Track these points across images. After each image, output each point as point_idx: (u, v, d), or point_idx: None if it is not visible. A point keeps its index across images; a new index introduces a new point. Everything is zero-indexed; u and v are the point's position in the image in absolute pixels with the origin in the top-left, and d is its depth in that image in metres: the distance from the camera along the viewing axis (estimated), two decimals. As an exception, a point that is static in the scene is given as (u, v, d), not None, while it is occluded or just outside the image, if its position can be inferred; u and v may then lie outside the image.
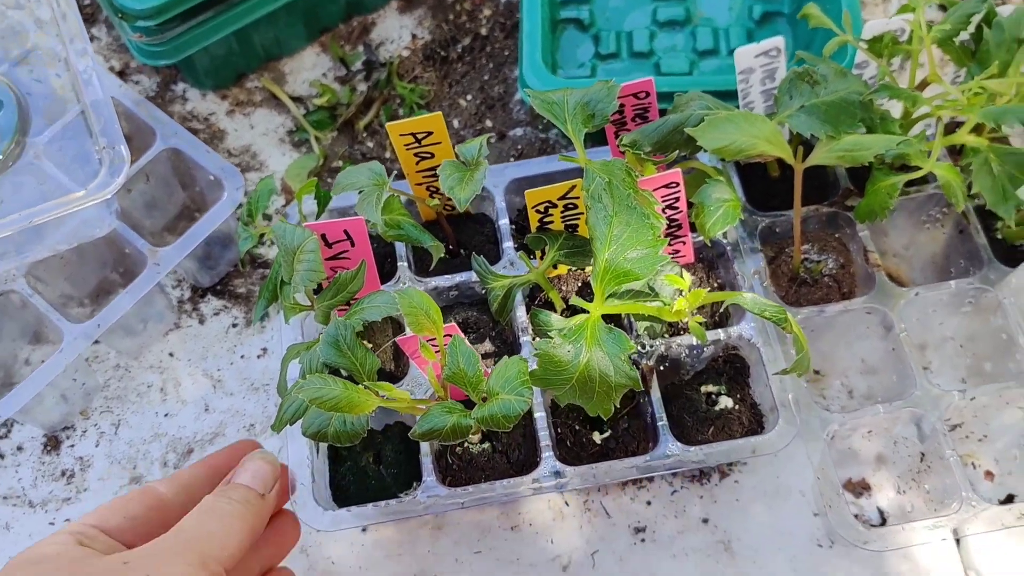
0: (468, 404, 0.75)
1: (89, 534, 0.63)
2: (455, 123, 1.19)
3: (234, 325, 1.09)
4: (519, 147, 1.18)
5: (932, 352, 1.01)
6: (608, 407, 0.74)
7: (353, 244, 0.86)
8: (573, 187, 0.86)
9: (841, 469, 0.98)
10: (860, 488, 0.97)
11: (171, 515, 0.67)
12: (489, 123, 1.19)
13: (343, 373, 0.77)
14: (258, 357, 1.07)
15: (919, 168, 0.86)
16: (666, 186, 0.87)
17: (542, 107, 0.84)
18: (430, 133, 0.89)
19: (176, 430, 1.03)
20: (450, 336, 0.76)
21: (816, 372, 1.03)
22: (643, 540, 0.96)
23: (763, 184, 1.01)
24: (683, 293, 0.79)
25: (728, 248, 0.96)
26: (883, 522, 0.95)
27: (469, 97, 1.20)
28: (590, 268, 0.96)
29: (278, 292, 0.85)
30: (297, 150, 1.18)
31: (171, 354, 1.07)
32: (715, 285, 0.97)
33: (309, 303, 0.85)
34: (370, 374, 0.77)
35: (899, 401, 0.89)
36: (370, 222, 0.86)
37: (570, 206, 0.88)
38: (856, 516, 0.93)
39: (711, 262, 0.99)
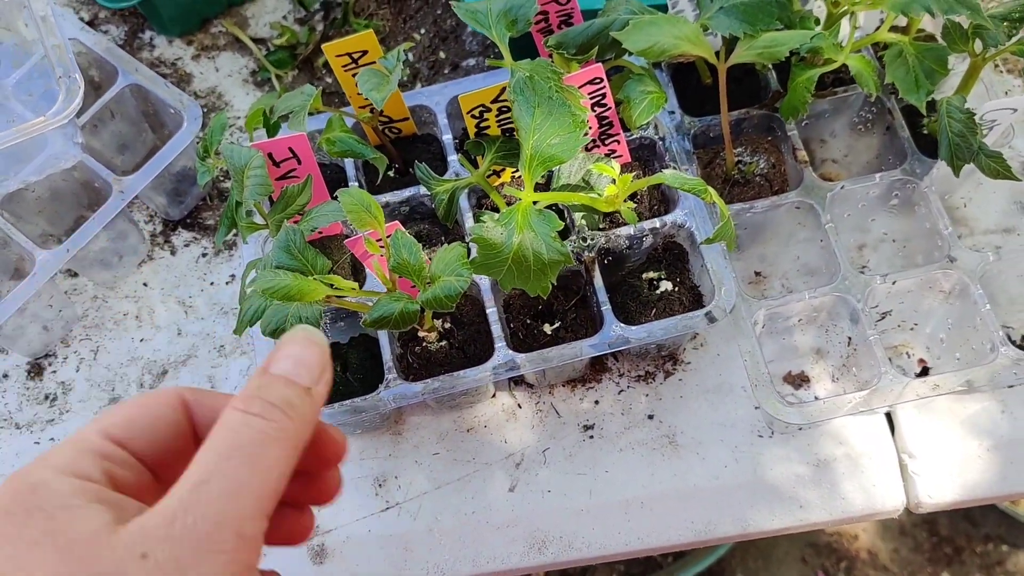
0: (412, 291, 0.80)
1: (116, 457, 0.45)
2: (409, 56, 1.23)
3: (203, 255, 1.14)
4: (471, 76, 1.22)
5: (869, 251, 1.05)
6: (545, 285, 0.79)
7: (300, 161, 0.91)
8: (504, 88, 0.90)
9: (781, 362, 1.02)
10: (799, 380, 1.01)
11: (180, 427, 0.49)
12: (442, 55, 1.24)
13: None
14: (227, 283, 1.12)
15: (835, 62, 0.89)
16: (591, 82, 0.91)
17: (467, 16, 0.88)
18: (365, 52, 0.93)
19: (151, 353, 1.09)
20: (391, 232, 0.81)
21: (756, 274, 1.07)
22: (592, 437, 1.01)
23: (696, 90, 1.05)
24: (614, 181, 0.84)
25: (659, 142, 1.00)
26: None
27: (423, 31, 1.24)
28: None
29: (235, 215, 0.90)
30: (260, 89, 1.23)
31: (145, 284, 1.13)
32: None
33: (264, 221, 0.90)
34: (321, 272, 0.82)
35: (825, 287, 0.92)
36: (315, 142, 0.91)
37: (504, 109, 0.92)
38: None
39: (647, 162, 1.03)
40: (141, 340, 1.10)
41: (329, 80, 1.23)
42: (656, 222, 0.95)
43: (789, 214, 1.00)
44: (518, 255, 0.79)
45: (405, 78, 1.20)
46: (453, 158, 1.02)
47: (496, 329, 0.92)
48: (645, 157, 1.03)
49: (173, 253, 1.15)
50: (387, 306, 0.79)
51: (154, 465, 0.46)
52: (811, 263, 1.05)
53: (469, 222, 0.97)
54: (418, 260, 0.80)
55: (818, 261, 1.03)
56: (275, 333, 0.82)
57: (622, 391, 1.02)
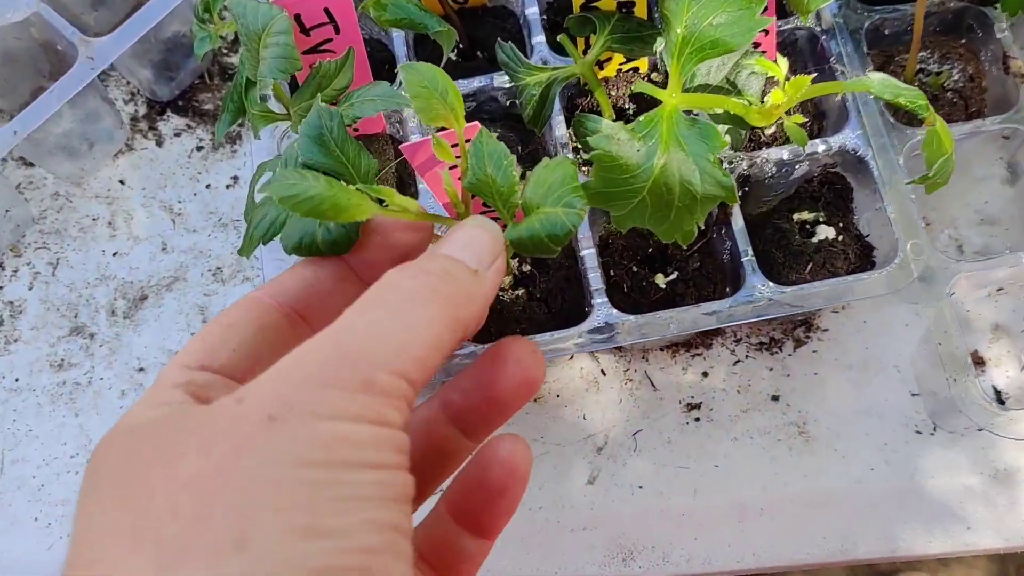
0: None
1: (201, 380, 0.39)
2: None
3: (199, 148, 0.88)
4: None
5: (1073, 196, 0.80)
6: (691, 228, 0.54)
7: (338, 30, 0.65)
8: (629, -55, 0.64)
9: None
10: (972, 362, 0.78)
11: (287, 338, 0.42)
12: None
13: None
14: (227, 187, 0.87)
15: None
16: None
17: None
18: None
19: (127, 272, 0.84)
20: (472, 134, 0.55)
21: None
22: (697, 420, 0.77)
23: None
24: (776, 84, 0.58)
25: (821, 37, 0.74)
26: (1001, 405, 0.76)
27: None
28: (646, 72, 0.75)
29: (244, 99, 0.65)
30: (278, -63, 0.95)
31: (122, 181, 0.88)
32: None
33: (284, 110, 0.65)
34: (368, 179, 0.57)
35: (1045, 249, 0.68)
36: (359, 8, 0.65)
37: (625, -26, 0.66)
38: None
39: (798, 64, 0.77)
40: (114, 254, 0.85)
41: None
42: (819, 145, 0.70)
43: (986, 146, 0.75)
44: (659, 183, 0.54)
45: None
46: (539, 40, 0.75)
47: (593, 279, 0.67)
48: (794, 53, 0.77)
49: (159, 144, 0.89)
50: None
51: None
52: (997, 213, 0.80)
53: (558, 129, 0.72)
54: (508, 179, 0.54)
55: (1007, 212, 0.78)
56: (301, 249, 0.56)
57: (738, 362, 0.79)
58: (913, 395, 0.77)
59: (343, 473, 0.32)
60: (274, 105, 0.66)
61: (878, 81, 0.56)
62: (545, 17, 0.78)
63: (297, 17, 0.64)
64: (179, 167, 0.88)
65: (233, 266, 0.84)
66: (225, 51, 0.92)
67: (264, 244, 0.56)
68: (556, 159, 0.54)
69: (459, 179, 0.55)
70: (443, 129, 0.55)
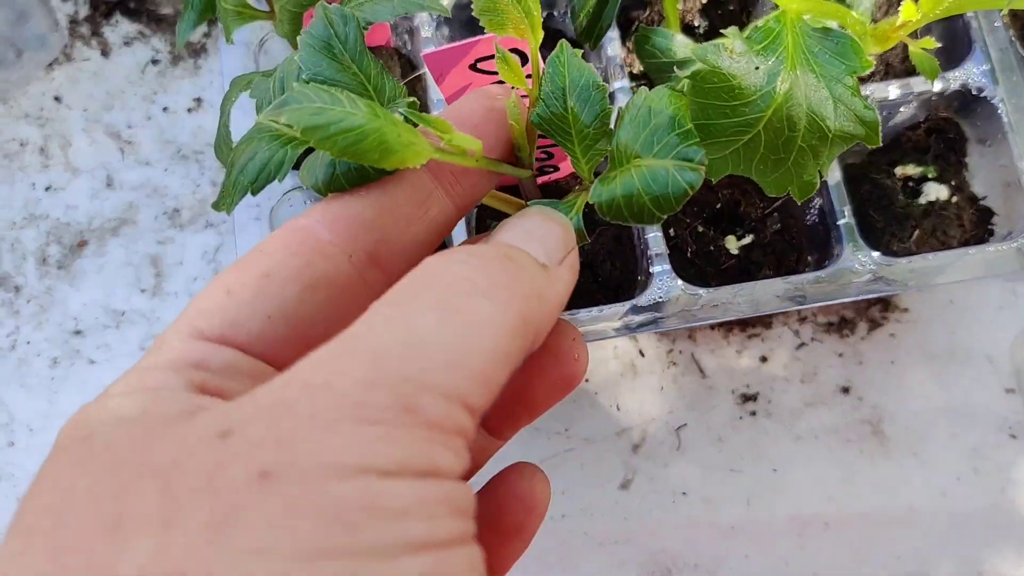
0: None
1: (218, 363, 0.27)
2: None
3: (154, 62, 0.72)
4: None
5: None
6: (813, 176, 0.41)
7: (335, -100, 0.49)
8: None
9: (1049, 326, 0.66)
10: (1076, 355, 0.66)
11: (352, 297, 0.30)
12: None
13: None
14: (189, 111, 0.71)
15: None
16: None
17: None
18: None
19: (62, 211, 0.69)
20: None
21: None
22: (754, 413, 0.65)
23: None
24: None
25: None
26: (1108, 406, 0.64)
27: None
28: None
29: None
30: None
31: (57, 99, 0.72)
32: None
33: (267, 5, 0.50)
34: (391, 104, 0.42)
35: None
36: None
37: None
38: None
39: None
40: (47, 188, 0.69)
41: None
42: (936, 81, 0.56)
43: None
44: (780, 114, 0.40)
45: None
46: (588, -62, 0.60)
47: (652, 240, 0.54)
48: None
49: (105, 54, 0.73)
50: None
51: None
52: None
53: (611, 47, 0.57)
54: (597, 114, 0.40)
55: None
56: (331, 185, 0.41)
57: (803, 345, 0.66)
58: (1008, 391, 0.65)
59: (376, 563, 0.21)
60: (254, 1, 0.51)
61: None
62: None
63: None
64: (129, 84, 0.72)
65: (194, 208, 0.68)
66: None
67: (253, 195, 0.41)
68: (660, 91, 0.40)
69: (526, 111, 0.41)
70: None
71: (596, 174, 0.40)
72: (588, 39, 0.53)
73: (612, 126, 0.39)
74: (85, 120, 0.71)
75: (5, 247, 0.68)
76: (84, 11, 0.73)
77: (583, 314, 0.52)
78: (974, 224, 0.57)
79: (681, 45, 0.50)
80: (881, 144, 0.40)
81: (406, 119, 0.35)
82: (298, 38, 0.42)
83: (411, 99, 0.39)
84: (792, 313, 0.67)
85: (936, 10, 0.44)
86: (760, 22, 0.40)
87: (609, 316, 0.52)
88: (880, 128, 0.40)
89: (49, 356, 0.65)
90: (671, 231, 0.56)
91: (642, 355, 0.66)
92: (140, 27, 0.73)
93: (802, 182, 0.42)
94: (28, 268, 0.67)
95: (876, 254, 0.53)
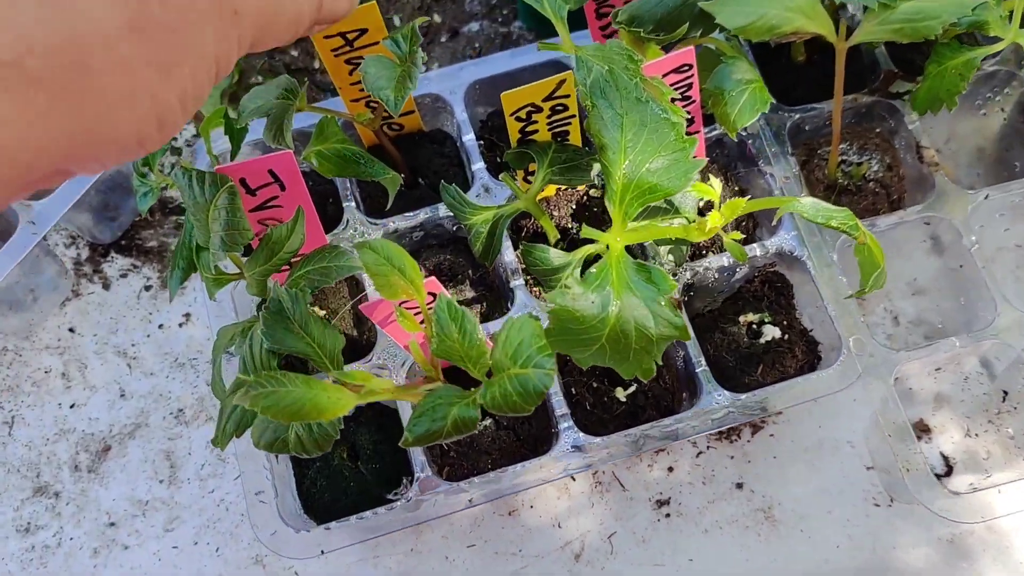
0: (466, 379, 0.58)
1: None
2: (395, 21, 0.97)
3: (147, 288, 0.88)
4: (476, 45, 0.97)
5: (995, 265, 0.85)
6: (649, 365, 0.57)
7: (283, 187, 0.66)
8: (561, 83, 0.67)
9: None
10: (919, 431, 0.82)
11: None
12: (438, 18, 0.98)
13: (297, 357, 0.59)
14: (180, 325, 0.87)
15: (995, 40, 0.68)
16: (676, 70, 0.68)
17: None
18: (364, 31, 0.68)
19: (86, 424, 0.84)
20: (433, 296, 0.57)
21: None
22: (668, 515, 0.80)
23: (784, 71, 0.82)
24: (712, 206, 0.61)
25: (748, 144, 0.78)
26: (948, 471, 0.80)
27: (412, -13, 0.98)
28: (586, 186, 0.78)
29: (195, 260, 0.65)
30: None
31: (71, 330, 0.87)
32: (735, 191, 0.79)
33: (237, 269, 0.66)
34: (335, 358, 0.59)
35: (978, 331, 0.72)
36: (301, 156, 0.67)
37: (558, 108, 0.68)
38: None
39: (727, 164, 0.80)
40: (72, 406, 0.84)
41: (295, 52, 0.96)
42: (756, 249, 0.73)
43: (911, 230, 0.79)
44: (615, 331, 0.57)
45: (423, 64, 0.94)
46: (479, 167, 0.77)
47: (557, 402, 0.69)
48: (722, 156, 0.81)
49: (106, 287, 0.88)
50: (436, 413, 0.56)
51: None
52: (925, 283, 0.84)
53: (507, 254, 0.74)
54: (476, 342, 0.56)
55: (935, 283, 0.83)
56: (274, 447, 0.58)
57: (701, 453, 0.82)
58: (868, 468, 0.81)
59: None
60: (226, 265, 0.67)
61: (810, 205, 0.59)
62: (482, 142, 0.80)
63: (242, 180, 0.65)
64: (129, 309, 0.88)
65: (195, 406, 0.84)
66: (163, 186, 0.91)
67: (237, 437, 0.58)
68: (520, 317, 0.56)
69: (425, 344, 0.57)
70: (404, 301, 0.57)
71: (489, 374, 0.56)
72: (485, 260, 0.69)
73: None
74: (96, 344, 0.86)
75: (43, 460, 0.82)
76: (85, 253, 0.89)
77: (511, 470, 0.67)
78: (804, 353, 0.73)
79: (556, 256, 0.66)
80: (691, 338, 0.57)
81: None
82: (261, 314, 0.58)
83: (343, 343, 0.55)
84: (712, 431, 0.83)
85: (732, 217, 0.61)
86: (594, 268, 0.57)
87: (534, 467, 0.68)
88: (689, 328, 0.56)
89: (90, 548, 0.79)
90: (572, 390, 0.72)
91: (573, 480, 0.81)
92: (132, 260, 0.89)
93: (643, 369, 0.58)
94: (64, 476, 0.82)
95: (727, 393, 0.69)
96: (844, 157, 0.80)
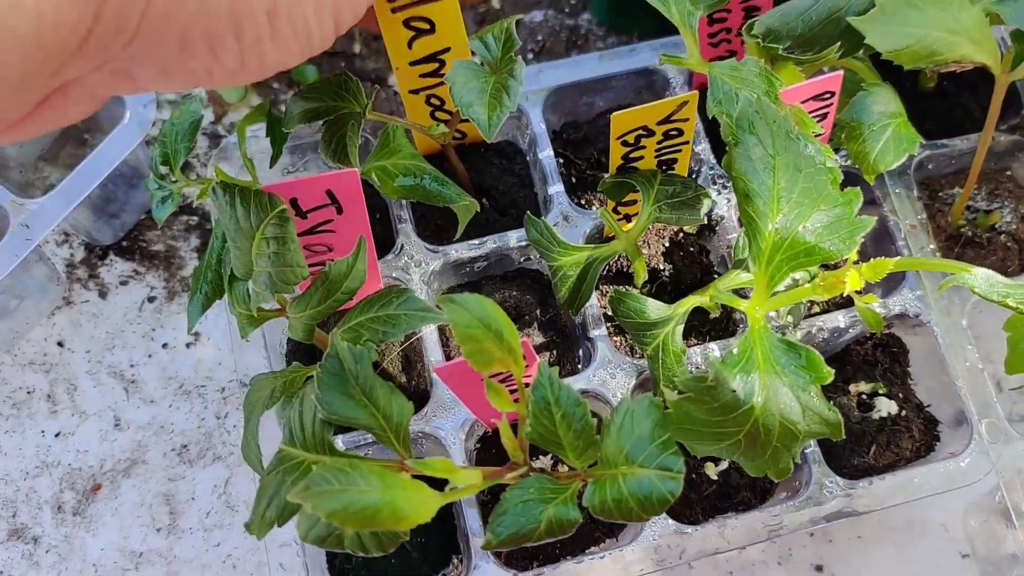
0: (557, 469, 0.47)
1: None
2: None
3: (150, 299, 0.76)
4: (539, 38, 0.86)
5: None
6: (788, 465, 0.47)
7: (340, 211, 0.54)
8: (683, 104, 0.56)
9: (998, 491, 0.73)
10: (1006, 517, 0.73)
11: None
12: (496, 3, 0.86)
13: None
14: (188, 346, 0.75)
15: None
16: (816, 97, 0.57)
17: None
18: (431, 27, 0.56)
19: (73, 457, 0.72)
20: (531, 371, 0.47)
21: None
22: (741, 599, 0.70)
23: (910, 100, 0.71)
24: (847, 262, 0.51)
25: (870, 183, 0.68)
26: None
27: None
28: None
29: (225, 287, 0.54)
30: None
31: (61, 344, 0.75)
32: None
33: (279, 305, 0.55)
34: (401, 433, 0.47)
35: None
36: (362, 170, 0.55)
37: (672, 132, 0.57)
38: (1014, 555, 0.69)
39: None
40: (57, 434, 0.73)
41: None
42: (875, 308, 0.63)
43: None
44: (757, 425, 0.46)
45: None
46: (556, 190, 0.66)
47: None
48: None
49: (103, 295, 0.76)
50: (526, 512, 0.46)
51: None
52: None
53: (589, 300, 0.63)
54: (583, 431, 0.46)
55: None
56: (326, 542, 0.47)
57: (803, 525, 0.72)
58: (964, 556, 0.72)
59: None
60: (267, 301, 0.56)
61: (983, 279, 0.49)
62: (560, 160, 0.69)
63: (293, 201, 0.53)
64: (128, 323, 0.76)
65: (201, 443, 0.72)
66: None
67: (279, 526, 0.46)
68: (641, 402, 0.46)
69: (515, 422, 0.47)
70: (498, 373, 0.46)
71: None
72: (570, 308, 0.58)
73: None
74: (89, 362, 0.74)
75: (21, 498, 0.71)
76: (80, 254, 0.77)
77: (585, 557, 0.57)
78: (922, 433, 0.64)
79: (655, 309, 0.56)
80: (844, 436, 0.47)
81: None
82: (315, 373, 0.47)
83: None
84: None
85: (875, 280, 0.51)
86: (739, 345, 0.46)
87: (603, 551, 0.58)
88: (842, 425, 0.46)
89: (73, 606, 0.68)
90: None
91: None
92: (134, 265, 0.77)
93: (778, 469, 0.48)
94: (44, 518, 0.70)
95: (839, 481, 0.59)
96: (970, 203, 0.70)
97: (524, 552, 0.60)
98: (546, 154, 0.67)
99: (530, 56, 0.85)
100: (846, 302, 0.64)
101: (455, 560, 0.61)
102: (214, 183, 0.51)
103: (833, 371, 0.46)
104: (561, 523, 0.45)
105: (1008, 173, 0.71)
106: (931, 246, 0.65)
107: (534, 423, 0.45)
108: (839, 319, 0.63)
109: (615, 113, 0.54)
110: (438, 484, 0.43)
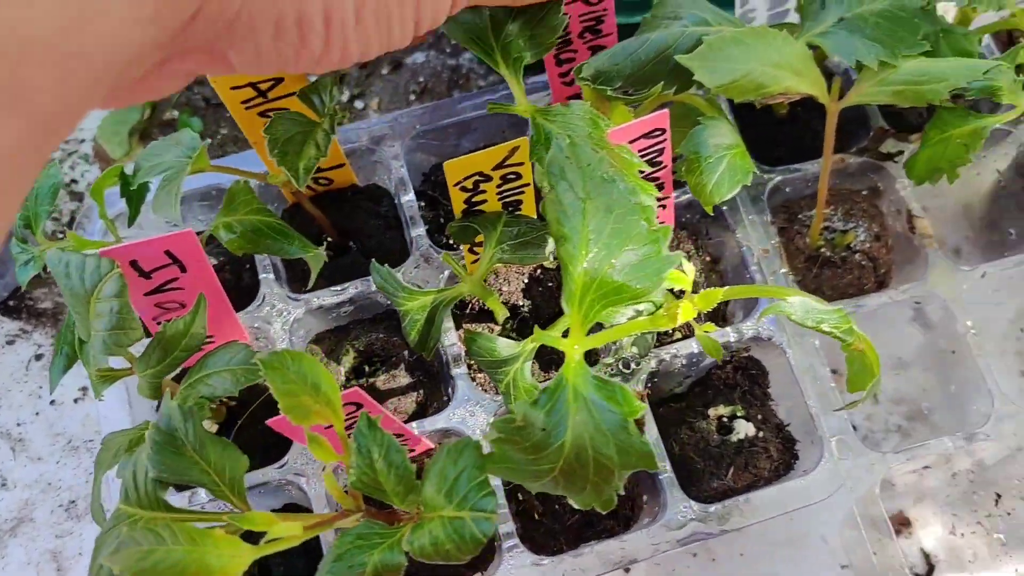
0: (390, 512, 0.49)
1: None
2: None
3: (37, 357, 0.77)
4: (421, 79, 0.87)
5: (986, 340, 0.77)
6: (610, 496, 0.48)
7: (184, 269, 0.56)
8: (514, 150, 0.57)
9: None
10: (898, 524, 0.74)
11: None
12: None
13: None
14: (76, 401, 0.76)
15: (1009, 107, 0.60)
16: (646, 135, 0.59)
17: (453, 30, 0.54)
18: (279, 81, 0.58)
19: (-40, 518, 0.73)
20: (352, 408, 0.48)
21: (832, 371, 0.78)
22: (625, 623, 0.71)
23: (763, 127, 0.74)
24: (683, 293, 0.53)
25: (722, 207, 0.69)
26: (930, 569, 0.73)
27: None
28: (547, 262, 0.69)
29: (77, 351, 0.55)
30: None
31: (-54, 405, 0.76)
32: (706, 261, 0.70)
33: (128, 364, 0.56)
34: (235, 486, 0.49)
35: (971, 429, 0.64)
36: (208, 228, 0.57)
37: (510, 176, 0.59)
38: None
39: (696, 228, 0.72)
40: (-56, 496, 0.73)
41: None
42: (730, 334, 0.65)
43: (900, 309, 0.71)
44: (569, 461, 0.48)
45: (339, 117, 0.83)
46: (419, 233, 0.68)
47: (501, 513, 0.60)
48: (692, 220, 0.72)
49: (-11, 355, 0.77)
50: (352, 560, 0.47)
51: None
52: (907, 358, 0.77)
53: (447, 337, 0.65)
54: (403, 473, 0.47)
55: (919, 359, 0.75)
56: None
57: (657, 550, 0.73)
58: (843, 567, 0.73)
59: None
60: (115, 359, 0.57)
61: (799, 307, 0.51)
62: (423, 203, 0.70)
63: (133, 263, 0.54)
64: (15, 382, 0.76)
65: (89, 498, 0.73)
66: (61, 234, 0.81)
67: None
68: (457, 443, 0.47)
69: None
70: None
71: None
72: (422, 350, 0.60)
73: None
74: (-25, 422, 0.75)
75: (-92, 563, 0.71)
76: (-35, 315, 0.78)
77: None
78: (780, 452, 0.65)
79: (505, 346, 0.57)
80: (656, 466, 0.48)
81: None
82: (146, 433, 0.48)
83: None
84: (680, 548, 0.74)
85: (708, 308, 0.53)
86: (548, 387, 0.48)
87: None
88: (655, 457, 0.48)
89: (-40, 669, 0.69)
90: (519, 497, 0.63)
91: (520, 581, 0.72)
92: (21, 324, 0.78)
93: (601, 501, 0.49)
94: (-68, 581, 0.71)
95: (693, 504, 0.60)
96: (827, 223, 0.71)
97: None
98: (408, 198, 0.68)
99: (412, 97, 0.87)
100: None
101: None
102: (52, 250, 0.53)
103: (645, 405, 0.48)
104: (387, 567, 0.47)
105: (864, 192, 0.73)
106: (783, 270, 0.67)
107: (357, 472, 0.46)
108: (692, 346, 0.64)
109: (447, 162, 0.56)
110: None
